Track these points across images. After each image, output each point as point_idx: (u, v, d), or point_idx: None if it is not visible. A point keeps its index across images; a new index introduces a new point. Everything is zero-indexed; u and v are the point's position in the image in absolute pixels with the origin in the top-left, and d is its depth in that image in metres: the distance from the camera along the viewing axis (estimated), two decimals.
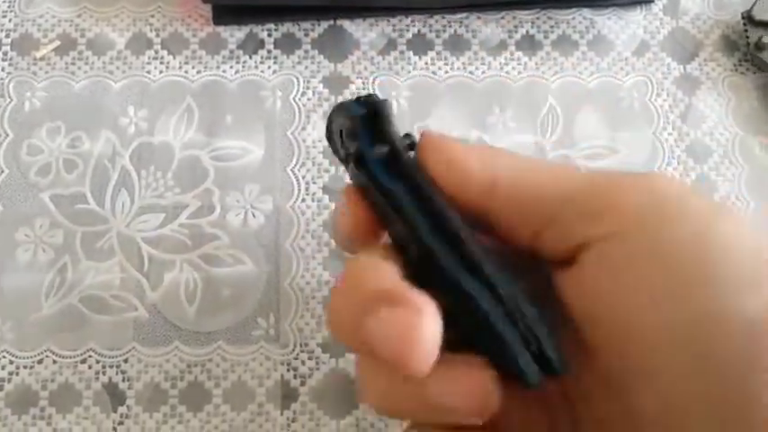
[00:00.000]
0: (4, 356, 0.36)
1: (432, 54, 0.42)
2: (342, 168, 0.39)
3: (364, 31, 0.43)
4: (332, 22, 0.43)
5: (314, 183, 0.39)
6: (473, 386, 0.21)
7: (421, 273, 0.23)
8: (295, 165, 0.39)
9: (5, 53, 0.41)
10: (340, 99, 0.41)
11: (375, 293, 0.21)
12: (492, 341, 0.22)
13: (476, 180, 0.24)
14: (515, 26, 0.43)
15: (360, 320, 0.21)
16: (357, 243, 0.25)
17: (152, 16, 0.42)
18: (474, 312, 0.22)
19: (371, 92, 0.28)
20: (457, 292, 0.22)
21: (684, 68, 0.43)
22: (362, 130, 0.24)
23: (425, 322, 0.20)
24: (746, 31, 0.42)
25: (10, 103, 0.40)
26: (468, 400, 0.21)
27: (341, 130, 0.26)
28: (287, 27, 0.42)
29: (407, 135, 0.25)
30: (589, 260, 0.22)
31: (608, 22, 0.44)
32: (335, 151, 0.27)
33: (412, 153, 0.25)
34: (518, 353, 0.21)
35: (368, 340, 0.20)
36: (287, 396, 0.36)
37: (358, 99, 0.25)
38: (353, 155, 0.25)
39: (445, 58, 0.42)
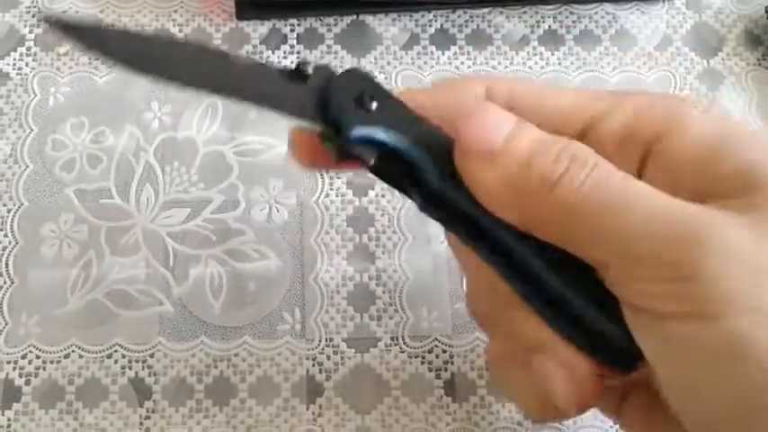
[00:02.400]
0: (30, 351, 0.36)
1: (454, 49, 0.42)
2: None
3: (387, 26, 0.43)
4: (354, 16, 0.43)
5: (338, 177, 0.39)
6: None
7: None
8: None
9: (29, 49, 0.41)
10: None
11: None
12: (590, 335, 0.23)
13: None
14: (537, 21, 0.43)
15: None
16: None
17: (175, 11, 0.42)
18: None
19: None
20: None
21: (708, 63, 0.43)
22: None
23: None
24: None
25: (34, 98, 0.40)
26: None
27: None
28: (309, 22, 0.42)
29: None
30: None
31: (630, 16, 0.43)
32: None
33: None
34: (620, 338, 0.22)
35: None
36: (312, 391, 0.36)
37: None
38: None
39: (468, 53, 0.42)
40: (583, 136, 0.24)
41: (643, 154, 0.23)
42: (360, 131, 0.24)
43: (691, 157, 0.22)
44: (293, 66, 0.24)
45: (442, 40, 0.43)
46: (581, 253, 0.22)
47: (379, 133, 0.24)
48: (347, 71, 0.25)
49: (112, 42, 0.23)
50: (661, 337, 0.21)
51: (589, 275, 0.22)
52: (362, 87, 0.24)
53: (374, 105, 0.24)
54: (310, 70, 0.24)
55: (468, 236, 0.24)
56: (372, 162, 0.25)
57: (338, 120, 0.24)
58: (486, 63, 0.42)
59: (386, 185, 0.26)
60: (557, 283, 0.23)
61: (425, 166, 0.24)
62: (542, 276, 0.23)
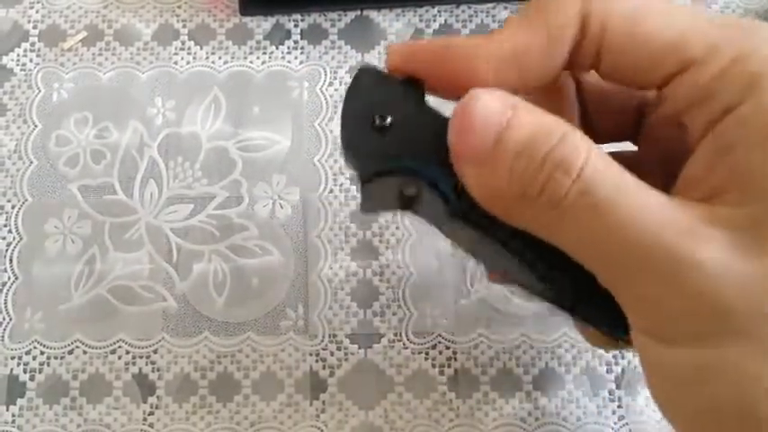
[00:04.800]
0: (35, 347, 0.36)
1: None
2: None
3: (391, 21, 0.42)
4: (358, 12, 0.42)
5: (341, 174, 0.39)
6: None
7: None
8: (322, 156, 0.39)
9: (33, 44, 0.41)
10: None
11: None
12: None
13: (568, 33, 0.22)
14: None
15: None
16: None
17: (179, 7, 0.42)
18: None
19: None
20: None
21: None
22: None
23: None
24: None
25: (38, 94, 0.40)
26: None
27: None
28: (313, 17, 0.42)
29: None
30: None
31: None
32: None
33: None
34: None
35: None
36: (316, 387, 0.36)
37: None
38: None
39: None
40: (666, 83, 0.22)
41: (716, 118, 0.21)
42: (375, 168, 0.24)
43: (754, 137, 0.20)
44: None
45: (447, 34, 0.42)
46: (573, 257, 0.21)
47: (394, 163, 0.24)
48: (354, 82, 0.24)
49: None
50: (649, 358, 0.21)
51: None
52: (372, 99, 0.24)
53: (388, 121, 0.23)
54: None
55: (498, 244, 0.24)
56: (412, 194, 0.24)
57: (352, 163, 0.24)
58: None
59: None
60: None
61: (442, 180, 0.23)
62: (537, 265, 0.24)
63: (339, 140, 0.25)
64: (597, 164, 0.20)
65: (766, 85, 0.20)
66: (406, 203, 0.25)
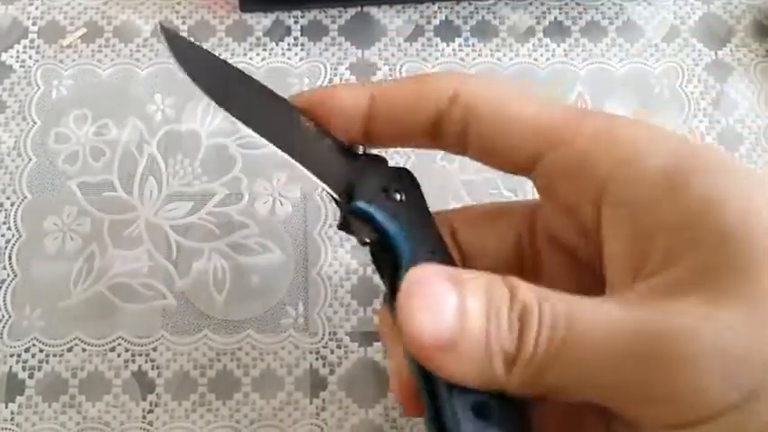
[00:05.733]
0: (34, 345, 0.36)
1: (459, 40, 0.42)
2: None
3: (391, 18, 0.42)
4: (359, 8, 0.42)
5: None
6: None
7: None
8: None
9: (32, 41, 0.41)
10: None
11: None
12: None
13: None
14: (543, 12, 0.43)
15: None
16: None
17: (178, 3, 0.42)
18: None
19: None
20: None
21: (716, 54, 0.42)
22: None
23: None
24: None
25: (37, 91, 0.40)
26: None
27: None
28: (313, 14, 0.42)
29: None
30: None
31: (637, 7, 0.43)
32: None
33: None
34: None
35: None
36: (316, 385, 0.35)
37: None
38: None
39: (473, 45, 0.42)
40: (534, 163, 0.24)
41: (597, 191, 0.22)
42: (364, 205, 0.25)
43: (646, 194, 0.21)
44: (345, 143, 0.27)
45: (447, 31, 0.42)
46: (583, 398, 0.21)
47: (380, 214, 0.25)
48: (399, 169, 0.27)
49: (199, 66, 0.27)
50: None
51: None
52: (402, 186, 0.26)
53: (399, 197, 0.26)
54: (361, 151, 0.27)
55: None
56: (367, 240, 0.25)
57: (355, 192, 0.26)
58: (492, 55, 0.42)
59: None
60: None
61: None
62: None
63: None
64: (556, 302, 0.20)
65: (633, 152, 0.22)
66: (370, 249, 0.26)
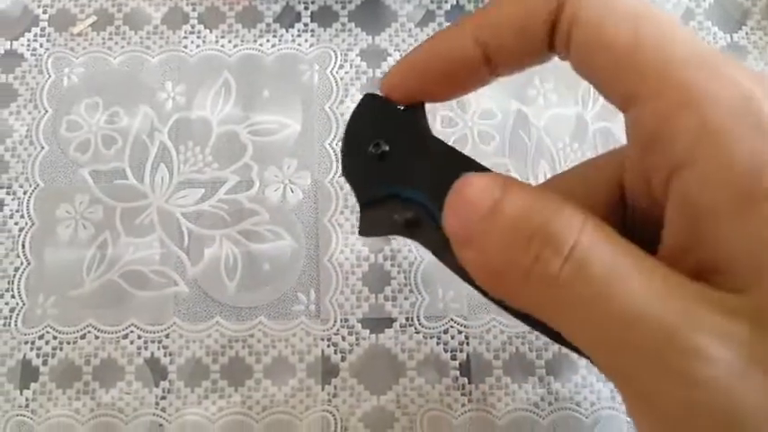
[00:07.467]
0: (47, 332, 0.36)
1: None
2: None
3: (401, 3, 0.42)
4: None
5: None
6: None
7: None
8: (333, 139, 0.39)
9: (43, 29, 0.41)
10: (378, 72, 0.40)
11: None
12: None
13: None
14: None
15: None
16: None
17: None
18: None
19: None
20: None
21: (731, 37, 0.42)
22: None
23: None
24: None
25: (48, 79, 0.40)
26: None
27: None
28: (324, 0, 0.42)
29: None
30: None
31: None
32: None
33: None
34: None
35: None
36: (327, 371, 0.35)
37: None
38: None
39: None
40: (628, 106, 0.20)
41: (669, 169, 0.19)
42: (372, 194, 0.24)
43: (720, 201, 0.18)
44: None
45: (458, 16, 0.42)
46: (577, 345, 0.20)
47: (391, 190, 0.24)
48: (357, 109, 0.25)
49: None
50: (652, 413, 0.19)
51: None
52: (374, 126, 0.24)
53: (386, 148, 0.24)
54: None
55: None
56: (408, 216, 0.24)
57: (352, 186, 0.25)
58: None
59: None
60: None
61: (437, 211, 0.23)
62: None
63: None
64: (591, 240, 0.18)
65: (721, 139, 0.18)
66: (406, 229, 0.25)
